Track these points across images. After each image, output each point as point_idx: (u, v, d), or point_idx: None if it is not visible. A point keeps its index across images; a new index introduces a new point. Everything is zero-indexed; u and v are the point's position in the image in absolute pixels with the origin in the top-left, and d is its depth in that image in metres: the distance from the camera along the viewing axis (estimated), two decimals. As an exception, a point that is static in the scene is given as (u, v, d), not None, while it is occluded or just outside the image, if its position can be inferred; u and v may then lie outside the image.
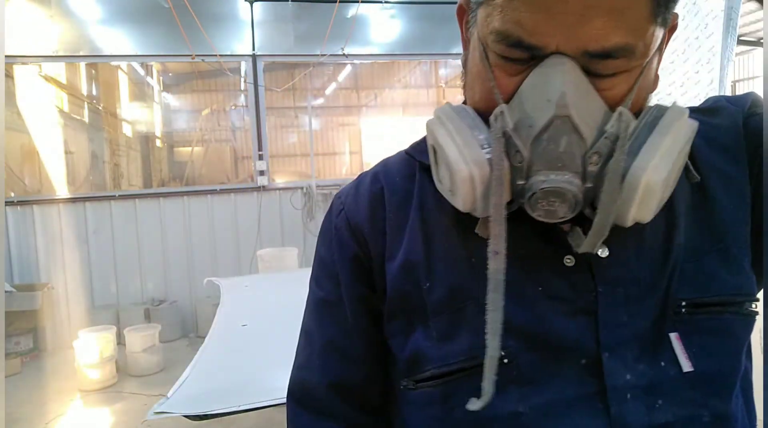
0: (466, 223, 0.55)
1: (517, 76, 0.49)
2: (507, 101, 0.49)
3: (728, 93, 2.40)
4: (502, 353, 0.51)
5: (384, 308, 0.59)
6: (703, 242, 0.55)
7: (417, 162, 0.62)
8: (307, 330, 0.66)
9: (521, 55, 0.47)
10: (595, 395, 0.50)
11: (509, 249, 0.50)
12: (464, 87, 0.58)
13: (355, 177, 0.67)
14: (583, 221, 0.50)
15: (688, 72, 2.48)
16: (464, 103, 0.60)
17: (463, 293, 0.54)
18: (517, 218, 0.51)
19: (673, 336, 0.51)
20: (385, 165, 0.65)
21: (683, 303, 0.52)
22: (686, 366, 0.51)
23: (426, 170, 0.60)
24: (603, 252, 0.52)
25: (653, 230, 0.54)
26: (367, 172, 0.65)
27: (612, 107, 0.47)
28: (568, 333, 0.51)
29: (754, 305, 0.54)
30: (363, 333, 0.61)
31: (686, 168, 0.53)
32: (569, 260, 0.53)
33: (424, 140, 0.62)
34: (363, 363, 0.62)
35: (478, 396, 0.49)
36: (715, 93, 2.28)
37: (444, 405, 0.54)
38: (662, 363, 0.51)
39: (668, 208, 0.53)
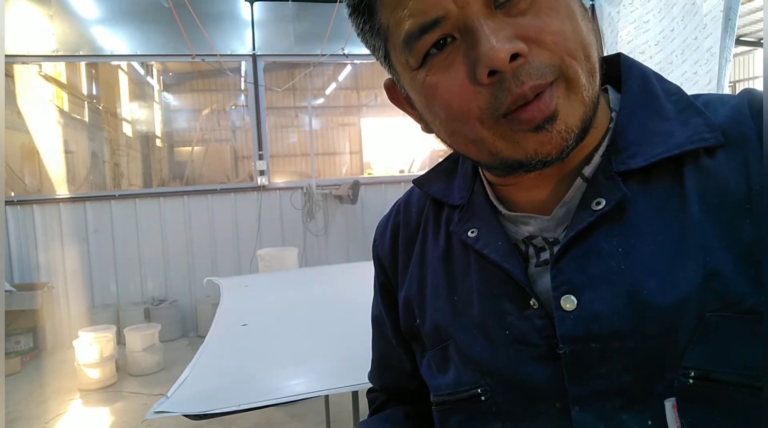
0: (452, 260, 0.57)
1: (452, 68, 0.45)
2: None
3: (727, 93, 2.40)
4: (479, 390, 0.53)
5: None
6: (741, 284, 0.42)
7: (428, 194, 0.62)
8: (371, 339, 0.74)
9: (437, 34, 0.44)
10: None
11: (479, 289, 0.52)
12: (444, 137, 0.52)
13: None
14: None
15: (687, 72, 2.48)
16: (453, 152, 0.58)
17: (446, 332, 0.56)
18: (486, 257, 0.52)
19: (669, 404, 0.44)
20: (408, 196, 0.67)
21: (692, 374, 0.43)
22: None
23: (434, 202, 0.62)
24: (569, 304, 0.46)
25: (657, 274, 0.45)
26: (398, 201, 0.69)
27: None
28: (537, 378, 0.49)
29: None
30: (406, 348, 0.66)
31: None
32: (534, 303, 0.49)
33: (434, 169, 0.64)
34: (412, 375, 0.66)
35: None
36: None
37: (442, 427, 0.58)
38: (649, 422, 0.44)
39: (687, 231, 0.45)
